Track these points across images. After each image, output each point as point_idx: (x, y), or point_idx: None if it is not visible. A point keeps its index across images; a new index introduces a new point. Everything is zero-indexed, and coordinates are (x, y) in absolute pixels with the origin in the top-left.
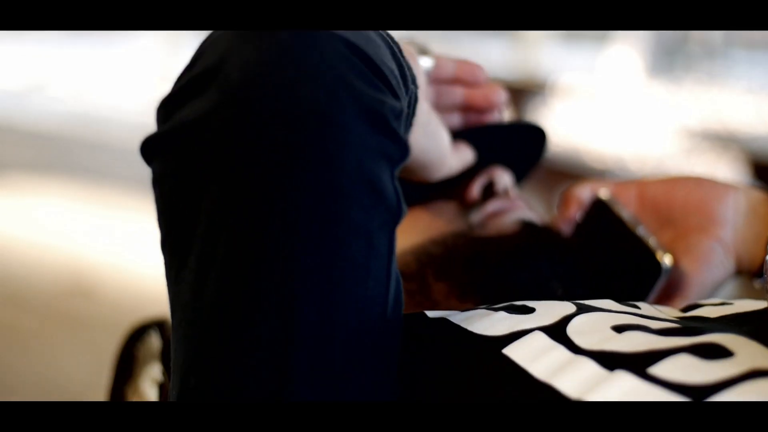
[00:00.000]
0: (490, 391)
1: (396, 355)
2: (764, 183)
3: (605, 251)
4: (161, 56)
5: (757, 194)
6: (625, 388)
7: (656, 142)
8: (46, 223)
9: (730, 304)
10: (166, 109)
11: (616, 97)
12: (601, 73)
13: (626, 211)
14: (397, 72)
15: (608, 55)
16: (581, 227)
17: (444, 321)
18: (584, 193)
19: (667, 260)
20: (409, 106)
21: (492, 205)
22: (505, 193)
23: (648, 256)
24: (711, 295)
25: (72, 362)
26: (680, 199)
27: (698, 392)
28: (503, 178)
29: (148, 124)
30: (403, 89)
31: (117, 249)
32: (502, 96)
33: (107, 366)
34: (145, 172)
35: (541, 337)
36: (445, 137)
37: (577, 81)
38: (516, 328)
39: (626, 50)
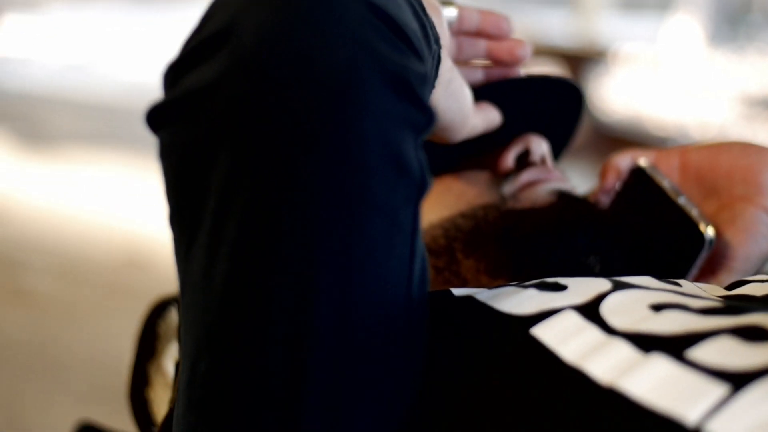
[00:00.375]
0: (516, 375)
1: (422, 336)
2: None
3: (645, 223)
4: None
5: None
6: (660, 372)
7: (718, 109)
8: (102, 195)
9: None
10: (174, 74)
11: (677, 66)
12: (662, 42)
13: (667, 180)
14: (419, 32)
15: (669, 24)
16: (620, 198)
17: (470, 299)
18: (624, 162)
19: (710, 232)
20: (432, 68)
21: (526, 176)
22: (542, 162)
23: (690, 227)
24: (759, 269)
25: (125, 335)
26: (725, 167)
27: (738, 379)
28: (540, 146)
29: None
30: (426, 50)
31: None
32: (527, 50)
33: None
34: None
35: (573, 317)
36: (467, 95)
37: (638, 49)
38: (546, 307)
39: (688, 19)
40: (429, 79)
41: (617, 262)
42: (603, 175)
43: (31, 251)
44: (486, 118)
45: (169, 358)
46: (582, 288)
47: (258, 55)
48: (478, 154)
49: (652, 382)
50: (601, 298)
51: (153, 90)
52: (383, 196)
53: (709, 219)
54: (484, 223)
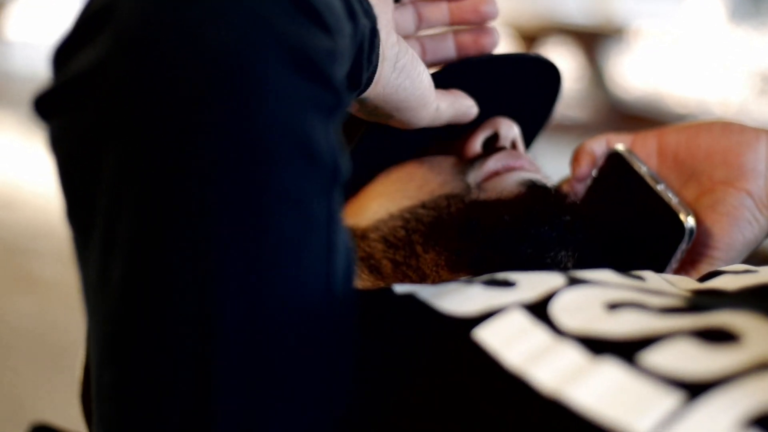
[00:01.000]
0: (454, 383)
1: (349, 336)
2: None
3: (622, 212)
4: None
5: None
6: (609, 379)
7: (738, 85)
8: None
9: (755, 272)
10: (61, 56)
11: (697, 42)
12: (682, 17)
13: (646, 166)
14: (339, 5)
15: (690, 0)
16: (595, 186)
17: (410, 298)
18: (598, 147)
19: (690, 221)
20: (363, 42)
21: (493, 162)
22: (512, 147)
23: (669, 216)
24: (743, 256)
25: None
26: (704, 149)
27: (693, 387)
28: (510, 129)
29: None
30: (346, 24)
31: None
32: (493, 7)
33: None
34: None
35: (519, 316)
36: (422, 73)
37: (657, 25)
38: (491, 305)
39: None
40: (341, 56)
41: (591, 257)
42: (576, 162)
43: (39, 237)
44: (455, 103)
45: None
46: (532, 283)
47: (141, 34)
48: (443, 138)
49: (599, 390)
50: (551, 294)
51: None
52: (290, 184)
53: (690, 207)
54: (447, 214)
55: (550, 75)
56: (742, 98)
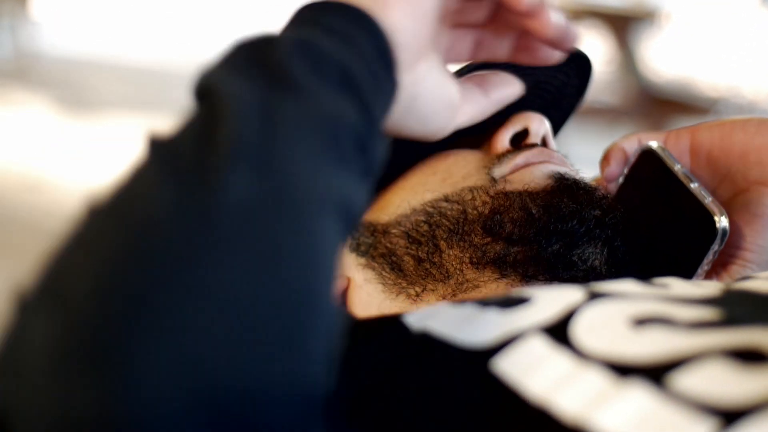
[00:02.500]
0: (479, 421)
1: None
2: None
3: (654, 210)
4: None
5: None
6: (637, 405)
7: None
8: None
9: None
10: None
11: (729, 26)
12: (714, 1)
13: (679, 164)
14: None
15: None
16: (627, 183)
17: (426, 338)
18: (630, 146)
19: (723, 221)
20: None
21: (523, 158)
22: (543, 144)
23: (702, 215)
24: None
25: None
26: (738, 148)
27: (728, 414)
28: (542, 125)
29: None
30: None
31: None
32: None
33: None
34: None
35: (538, 342)
36: (443, 103)
37: (690, 9)
38: (508, 331)
39: None
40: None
41: (621, 254)
42: (605, 161)
43: (65, 220)
44: (485, 108)
45: None
46: (550, 301)
47: None
48: (469, 133)
49: (627, 416)
50: (571, 313)
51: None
52: None
53: (723, 207)
54: (471, 207)
55: (581, 64)
56: None
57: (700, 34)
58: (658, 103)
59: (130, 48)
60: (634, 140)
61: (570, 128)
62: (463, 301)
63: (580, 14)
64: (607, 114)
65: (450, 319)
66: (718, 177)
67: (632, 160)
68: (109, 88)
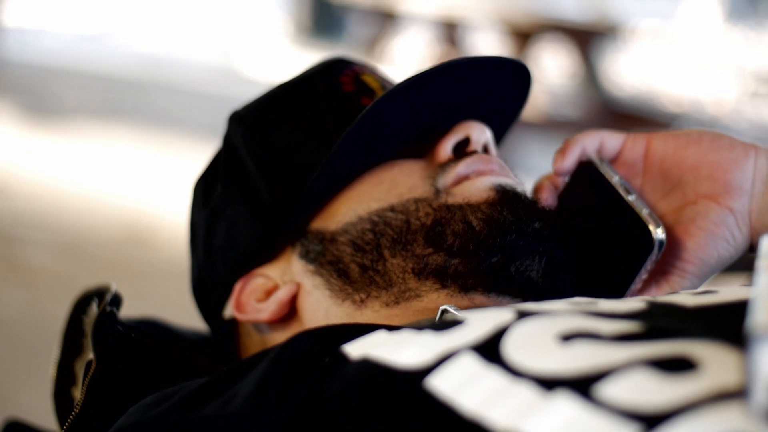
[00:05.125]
0: None
1: None
2: None
3: (593, 221)
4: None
5: None
6: (564, 414)
7: (733, 86)
8: (107, 169)
9: (714, 292)
10: None
11: (693, 41)
12: (679, 17)
13: (618, 175)
14: None
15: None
16: (567, 194)
17: (366, 364)
18: (590, 143)
19: (660, 233)
20: None
21: (464, 167)
22: (484, 152)
23: (640, 227)
24: (715, 273)
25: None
26: (691, 161)
27: (650, 420)
28: (482, 134)
29: (216, 67)
30: None
31: (177, 195)
32: None
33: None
34: (212, 117)
35: (470, 360)
36: None
37: (653, 24)
38: (442, 351)
39: None
40: None
41: (559, 265)
42: (561, 153)
43: (31, 227)
44: None
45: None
46: (481, 322)
47: None
48: (416, 142)
49: (555, 426)
50: (502, 332)
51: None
52: None
53: (669, 216)
54: (415, 218)
55: (521, 74)
56: (736, 98)
57: (663, 48)
58: (620, 117)
59: (94, 56)
60: (595, 138)
61: (532, 140)
62: (398, 327)
63: (543, 28)
64: (569, 127)
65: (387, 344)
66: (668, 185)
67: (572, 171)
68: (73, 95)
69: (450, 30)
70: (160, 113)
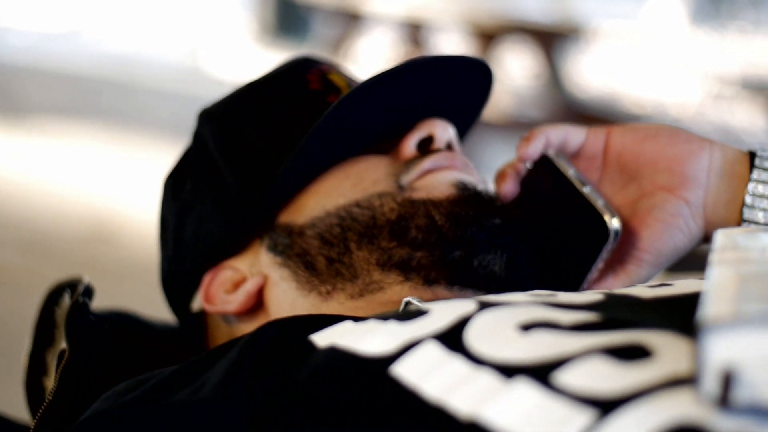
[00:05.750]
0: (381, 421)
1: None
2: None
3: (551, 214)
4: None
5: (734, 152)
6: (524, 400)
7: (695, 88)
8: (72, 167)
9: (670, 285)
10: None
11: (657, 43)
12: (642, 18)
13: (573, 168)
14: None
15: (651, 1)
16: (525, 189)
17: (333, 351)
18: (555, 136)
19: (615, 223)
20: None
21: (428, 164)
22: (448, 148)
23: (595, 217)
24: (670, 262)
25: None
26: (649, 155)
27: (606, 404)
28: (445, 132)
29: (181, 66)
30: None
31: (142, 194)
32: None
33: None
34: (177, 116)
35: (434, 349)
36: None
37: (617, 26)
38: (406, 340)
39: None
40: None
41: (520, 257)
42: (526, 141)
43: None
44: None
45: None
46: (445, 312)
47: None
48: (380, 139)
49: (515, 410)
50: (464, 321)
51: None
52: None
53: (627, 207)
54: (380, 213)
55: (483, 72)
56: (699, 101)
57: (626, 50)
58: (583, 118)
59: (60, 54)
60: (560, 131)
61: (495, 140)
62: (364, 318)
63: (507, 29)
64: (532, 128)
65: (353, 334)
66: (626, 178)
67: (529, 166)
68: (40, 94)
69: (414, 31)
70: (126, 112)
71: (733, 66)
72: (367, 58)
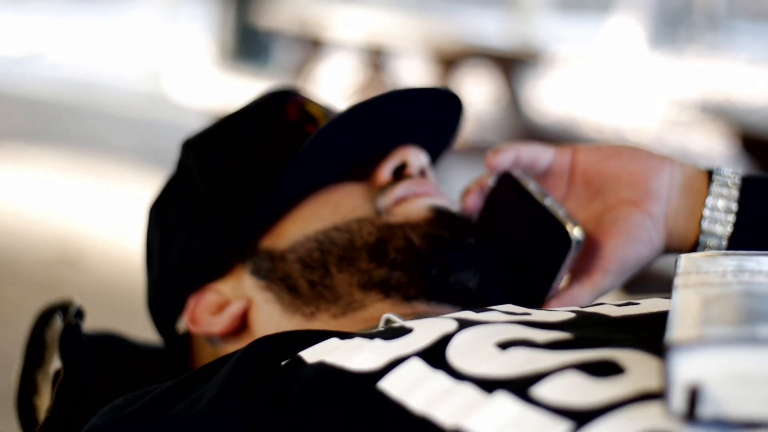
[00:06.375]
0: (367, 431)
1: None
2: (755, 155)
3: (516, 228)
4: (159, 25)
5: (692, 169)
6: (504, 412)
7: (654, 113)
8: (35, 192)
9: (636, 304)
10: None
11: (615, 68)
12: (600, 44)
13: (533, 182)
14: None
15: (609, 25)
16: (490, 205)
17: (321, 366)
18: (526, 153)
19: (576, 232)
20: None
21: (401, 189)
22: (421, 175)
23: (557, 228)
24: (634, 272)
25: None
26: (613, 170)
27: (581, 416)
28: (417, 158)
29: (142, 92)
30: None
31: (104, 218)
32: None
33: None
34: (138, 141)
35: (418, 365)
36: None
37: (575, 51)
38: (392, 357)
39: (627, 20)
40: None
41: (492, 274)
42: (496, 153)
43: None
44: None
45: (56, 366)
46: (427, 331)
47: None
48: (358, 167)
49: (496, 422)
50: (446, 340)
51: (92, 86)
52: None
53: (592, 220)
54: (358, 236)
55: (454, 102)
56: (657, 125)
57: (585, 75)
58: (542, 143)
59: (20, 79)
60: (531, 149)
61: (455, 164)
62: (351, 335)
63: (466, 55)
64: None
65: (340, 350)
66: (591, 192)
67: (491, 184)
68: (3, 119)
69: (375, 56)
70: (87, 137)
71: (691, 90)
72: (328, 83)
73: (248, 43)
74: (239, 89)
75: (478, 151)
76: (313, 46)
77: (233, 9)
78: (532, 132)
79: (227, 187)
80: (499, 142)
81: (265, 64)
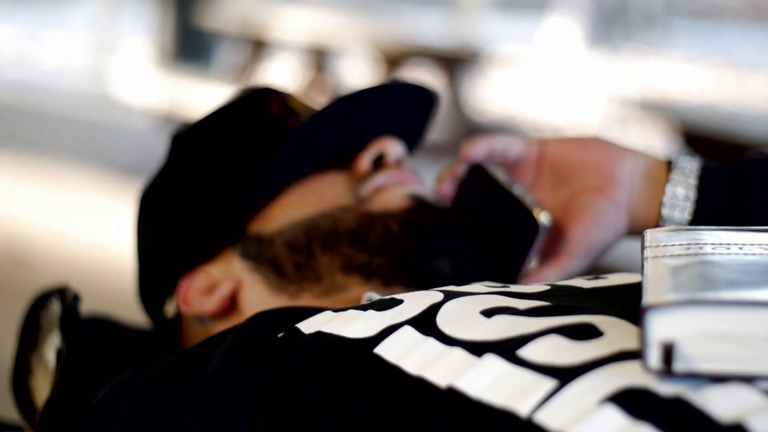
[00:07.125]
0: (368, 393)
1: None
2: (696, 151)
3: (487, 216)
4: (101, 26)
5: (653, 159)
6: (494, 372)
7: (593, 111)
8: None
9: (604, 278)
10: None
11: (554, 66)
12: (539, 43)
13: (501, 171)
14: None
15: (547, 24)
16: (461, 195)
17: (319, 335)
18: (501, 145)
19: (543, 217)
20: None
21: (380, 179)
22: (398, 164)
23: (525, 214)
24: (598, 255)
25: (5, 334)
26: (579, 160)
27: (565, 373)
28: (394, 149)
29: (85, 93)
30: None
31: (51, 218)
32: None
33: None
34: (81, 141)
35: (410, 332)
36: None
37: (514, 50)
38: (386, 325)
39: (565, 19)
40: None
41: (466, 259)
42: (473, 144)
43: None
44: None
45: (50, 347)
46: (416, 301)
47: None
48: (339, 157)
49: (487, 381)
50: (435, 309)
51: (33, 88)
52: None
53: (559, 206)
54: (342, 223)
55: (428, 95)
56: (597, 123)
57: (525, 74)
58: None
59: None
60: (504, 141)
61: None
62: (344, 308)
63: (409, 55)
64: (433, 151)
65: (336, 321)
66: (558, 181)
67: (461, 175)
68: None
69: (318, 56)
70: (30, 138)
71: (629, 87)
72: (271, 84)
73: (191, 44)
74: (182, 90)
75: (419, 149)
76: (255, 46)
77: (174, 10)
78: (472, 131)
79: (215, 177)
80: (440, 141)
81: (208, 65)
